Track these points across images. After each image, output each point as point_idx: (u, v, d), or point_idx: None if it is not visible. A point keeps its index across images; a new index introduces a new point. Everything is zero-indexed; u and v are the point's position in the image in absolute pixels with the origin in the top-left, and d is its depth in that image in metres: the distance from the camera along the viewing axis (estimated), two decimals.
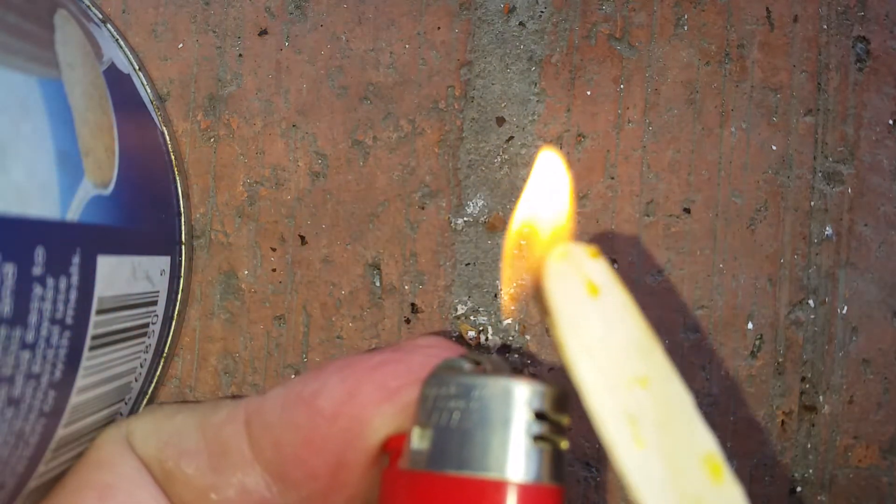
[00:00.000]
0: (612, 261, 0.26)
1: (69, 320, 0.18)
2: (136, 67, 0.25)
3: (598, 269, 0.16)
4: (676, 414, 0.16)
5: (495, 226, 0.26)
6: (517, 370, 0.18)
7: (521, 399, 0.16)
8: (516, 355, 0.26)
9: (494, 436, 0.16)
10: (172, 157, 0.25)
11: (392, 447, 0.17)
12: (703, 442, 0.15)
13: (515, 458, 0.15)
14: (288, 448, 0.18)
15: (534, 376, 0.17)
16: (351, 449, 0.18)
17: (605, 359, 0.16)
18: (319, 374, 0.18)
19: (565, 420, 0.16)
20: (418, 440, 0.16)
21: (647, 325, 0.16)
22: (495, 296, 0.26)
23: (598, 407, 0.15)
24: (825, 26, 0.26)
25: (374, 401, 0.17)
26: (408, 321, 0.26)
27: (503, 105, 0.26)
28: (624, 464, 0.15)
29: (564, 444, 0.16)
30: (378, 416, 0.17)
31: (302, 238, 0.26)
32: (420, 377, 0.17)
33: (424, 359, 0.18)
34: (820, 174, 0.26)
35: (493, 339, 0.26)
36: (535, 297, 0.17)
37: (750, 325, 0.25)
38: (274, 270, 0.26)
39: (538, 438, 0.16)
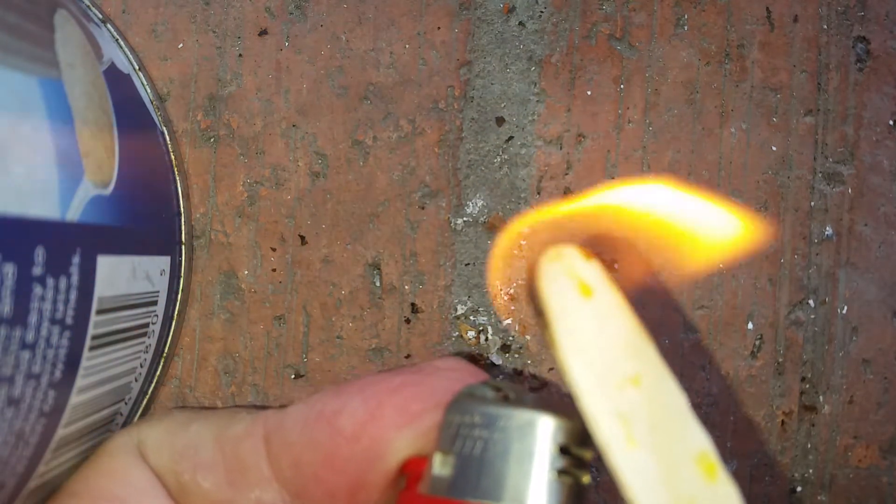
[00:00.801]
0: (613, 261, 0.26)
1: (69, 320, 0.18)
2: (136, 67, 0.25)
3: (590, 270, 0.16)
4: (670, 413, 0.16)
5: (495, 226, 0.26)
6: (538, 396, 0.18)
7: (545, 432, 0.16)
8: (516, 355, 0.26)
9: (517, 468, 0.16)
10: (172, 157, 0.25)
11: (410, 469, 0.18)
12: (697, 441, 0.15)
13: (538, 491, 0.16)
14: (308, 467, 0.18)
15: (556, 406, 0.17)
16: (371, 470, 0.18)
17: (597, 358, 0.16)
18: (341, 394, 0.18)
19: (588, 455, 0.16)
20: (440, 466, 0.16)
21: (639, 324, 0.16)
22: (495, 296, 0.26)
23: (592, 406, 0.15)
24: (825, 26, 0.26)
25: (395, 423, 0.18)
26: (408, 321, 0.26)
27: (503, 105, 0.26)
28: (617, 463, 0.15)
29: (587, 479, 0.16)
30: (399, 438, 0.18)
31: (302, 238, 0.26)
32: (441, 401, 0.17)
33: (446, 382, 0.18)
34: (820, 174, 0.26)
35: (493, 339, 0.26)
36: (529, 297, 0.17)
37: (750, 325, 0.25)
38: (274, 270, 0.26)
39: (561, 472, 0.16)
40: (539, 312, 0.16)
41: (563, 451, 0.16)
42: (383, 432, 0.18)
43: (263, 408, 0.20)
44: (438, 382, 0.18)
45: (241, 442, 0.19)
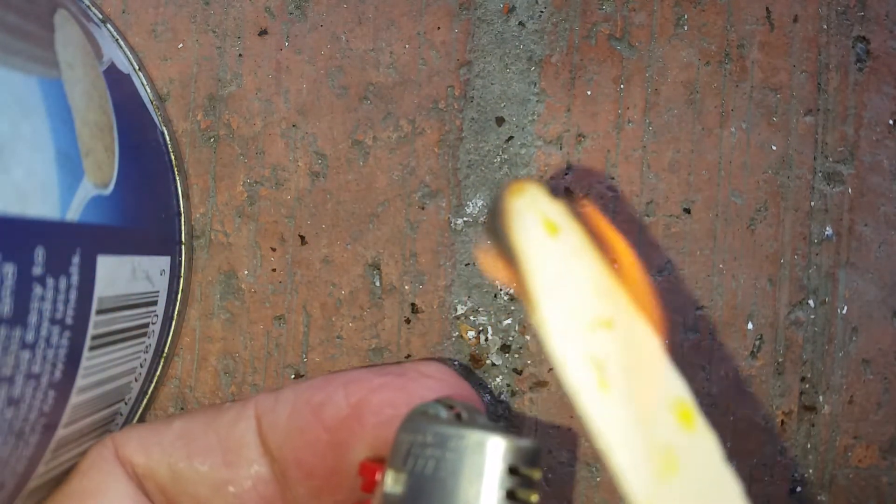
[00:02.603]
0: (612, 261, 0.26)
1: (69, 320, 0.18)
2: (136, 67, 0.25)
3: (556, 208, 0.16)
4: (644, 358, 0.15)
5: None
6: (492, 417, 0.18)
7: (495, 453, 0.16)
8: (516, 355, 0.26)
9: (468, 487, 0.16)
10: (172, 157, 0.25)
11: (364, 473, 0.18)
12: (673, 387, 0.15)
13: None
14: (291, 450, 0.19)
15: (507, 426, 0.17)
16: (344, 459, 0.19)
17: (568, 299, 0.15)
18: (328, 385, 0.20)
19: (537, 475, 0.16)
20: (392, 483, 0.17)
21: (610, 267, 0.15)
22: (495, 296, 0.26)
23: (562, 349, 0.14)
24: (825, 26, 0.26)
25: (369, 423, 0.19)
26: (408, 321, 0.26)
27: (503, 105, 0.26)
28: (588, 409, 0.14)
29: (535, 499, 0.16)
30: (369, 437, 0.19)
31: (302, 238, 0.26)
32: None
33: (425, 391, 0.19)
34: (820, 174, 0.26)
35: (493, 339, 0.26)
36: (493, 234, 0.16)
37: (750, 325, 0.25)
38: (274, 270, 0.26)
39: (510, 493, 0.16)
40: (504, 250, 0.15)
41: (513, 471, 0.16)
42: (358, 429, 0.19)
43: None
44: (417, 390, 0.19)
45: (234, 424, 0.20)
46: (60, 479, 0.21)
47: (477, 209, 0.26)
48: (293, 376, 0.26)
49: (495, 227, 0.15)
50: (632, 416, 0.14)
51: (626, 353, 0.15)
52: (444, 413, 0.17)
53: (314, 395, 0.20)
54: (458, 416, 0.17)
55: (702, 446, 0.14)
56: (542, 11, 0.26)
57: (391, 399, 0.19)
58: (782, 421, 0.25)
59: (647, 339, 0.15)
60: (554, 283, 0.15)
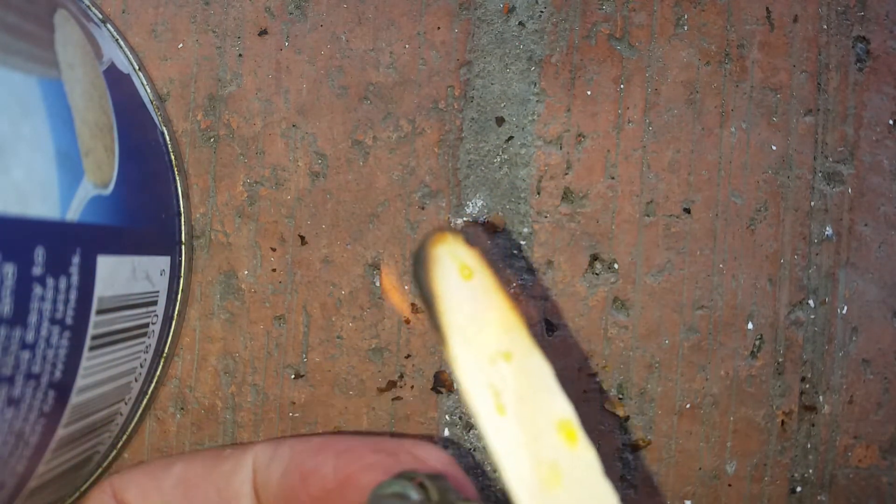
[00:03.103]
0: (613, 261, 0.26)
1: (69, 320, 0.18)
2: (136, 67, 0.25)
3: (471, 254, 0.18)
4: (536, 385, 0.17)
5: (495, 225, 0.26)
6: (461, 497, 0.19)
7: None
8: None
9: None
10: (172, 157, 0.25)
11: None
12: (560, 409, 0.17)
13: None
14: None
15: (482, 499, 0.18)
16: None
17: (474, 335, 0.17)
18: (321, 451, 0.20)
19: None
20: None
21: (511, 305, 0.18)
22: None
23: (466, 379, 0.16)
24: (825, 26, 0.26)
25: (352, 500, 0.19)
26: (408, 321, 0.26)
27: (503, 105, 0.26)
28: (486, 430, 0.16)
29: None
30: None
31: (302, 238, 0.26)
32: None
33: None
34: (820, 174, 0.26)
35: None
36: (415, 278, 0.18)
37: (750, 325, 0.25)
38: (274, 270, 0.26)
39: None
40: (423, 292, 0.17)
41: None
42: (341, 502, 0.19)
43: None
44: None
45: (232, 475, 0.21)
46: (60, 479, 0.21)
47: (477, 209, 0.26)
48: (293, 376, 0.26)
49: (417, 272, 0.17)
50: (522, 436, 0.16)
51: (520, 381, 0.17)
52: (413, 496, 0.18)
53: (306, 461, 0.20)
54: (428, 500, 0.18)
55: (582, 461, 0.16)
56: (542, 11, 0.26)
57: (378, 480, 0.20)
58: (782, 421, 0.25)
59: (539, 367, 0.17)
60: (463, 322, 0.17)
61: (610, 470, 0.25)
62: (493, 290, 0.17)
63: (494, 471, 0.25)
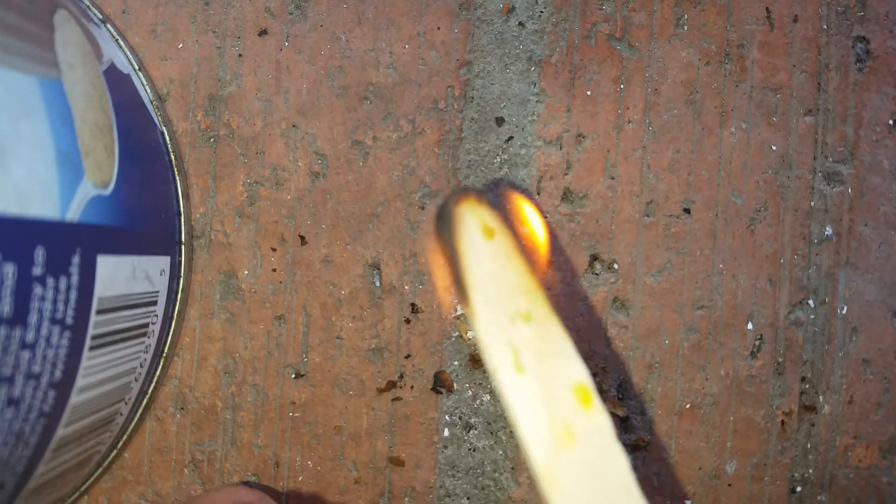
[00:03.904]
0: (612, 261, 0.26)
1: (69, 320, 0.18)
2: (136, 67, 0.25)
3: (493, 214, 0.18)
4: (554, 348, 0.17)
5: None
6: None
7: None
8: None
9: None
10: (172, 157, 0.25)
11: None
12: (576, 373, 0.17)
13: None
14: None
15: None
16: None
17: (495, 293, 0.17)
18: None
19: None
20: None
21: (530, 269, 0.18)
22: None
23: (487, 335, 0.17)
24: (825, 26, 0.26)
25: None
26: (408, 321, 0.26)
27: (503, 105, 0.26)
28: (504, 386, 0.17)
29: None
30: None
31: (302, 238, 0.26)
32: None
33: None
34: (820, 174, 0.26)
35: None
36: (437, 235, 0.18)
37: (750, 326, 0.25)
38: (274, 270, 0.26)
39: None
40: (446, 249, 0.18)
41: None
42: None
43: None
44: None
45: None
46: (60, 479, 0.21)
47: None
48: (293, 376, 0.26)
49: (440, 229, 0.18)
50: (539, 396, 0.17)
51: (539, 342, 0.17)
52: None
53: None
54: None
55: (596, 424, 0.17)
56: (542, 11, 0.26)
57: None
58: (782, 421, 0.25)
59: (558, 332, 0.18)
60: (485, 280, 0.18)
61: None
62: (514, 252, 0.18)
63: (495, 471, 0.25)
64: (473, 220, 0.18)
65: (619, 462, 0.16)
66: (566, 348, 0.17)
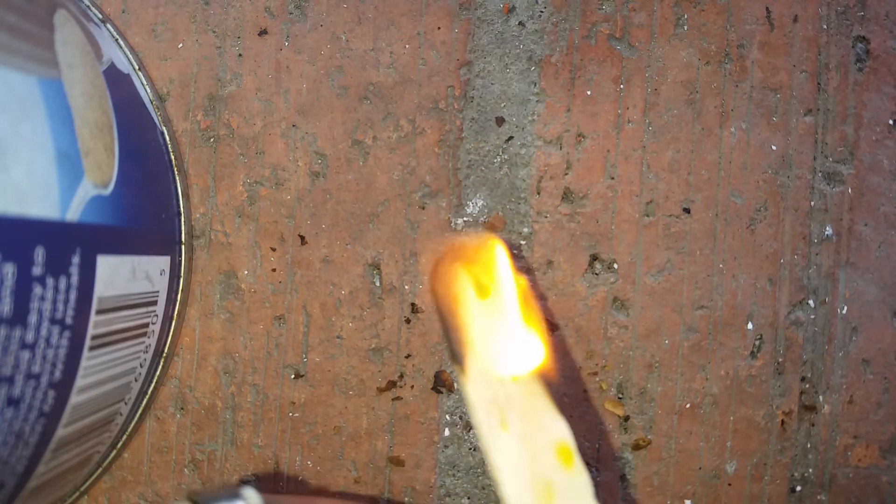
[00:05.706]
0: (612, 261, 0.26)
1: (69, 320, 0.18)
2: (136, 67, 0.25)
3: (488, 271, 0.19)
4: (538, 407, 0.18)
5: (495, 226, 0.26)
6: None
7: None
8: None
9: None
10: (172, 157, 0.25)
11: None
12: (558, 432, 0.18)
13: None
14: None
15: None
16: None
17: (485, 353, 0.18)
18: None
19: None
20: None
21: (524, 327, 0.19)
22: None
23: (475, 395, 0.17)
24: (825, 26, 0.26)
25: None
26: (408, 321, 0.26)
27: (503, 105, 0.26)
28: (489, 445, 0.17)
29: None
30: None
31: (302, 238, 0.26)
32: None
33: None
34: (820, 174, 0.26)
35: None
36: (433, 294, 0.19)
37: (750, 325, 0.25)
38: (274, 270, 0.26)
39: None
40: (440, 308, 0.18)
41: None
42: None
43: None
44: None
45: None
46: (60, 479, 0.21)
47: (477, 209, 0.26)
48: (293, 376, 0.26)
49: (434, 287, 0.18)
50: (522, 454, 0.17)
51: (524, 402, 0.18)
52: None
53: None
54: None
55: (576, 482, 0.17)
56: (542, 11, 0.26)
57: None
58: (782, 421, 0.25)
59: (542, 391, 0.18)
60: (478, 338, 0.18)
61: (610, 470, 0.25)
62: (509, 310, 0.18)
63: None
64: (467, 279, 0.18)
65: None
66: (549, 407, 0.18)
